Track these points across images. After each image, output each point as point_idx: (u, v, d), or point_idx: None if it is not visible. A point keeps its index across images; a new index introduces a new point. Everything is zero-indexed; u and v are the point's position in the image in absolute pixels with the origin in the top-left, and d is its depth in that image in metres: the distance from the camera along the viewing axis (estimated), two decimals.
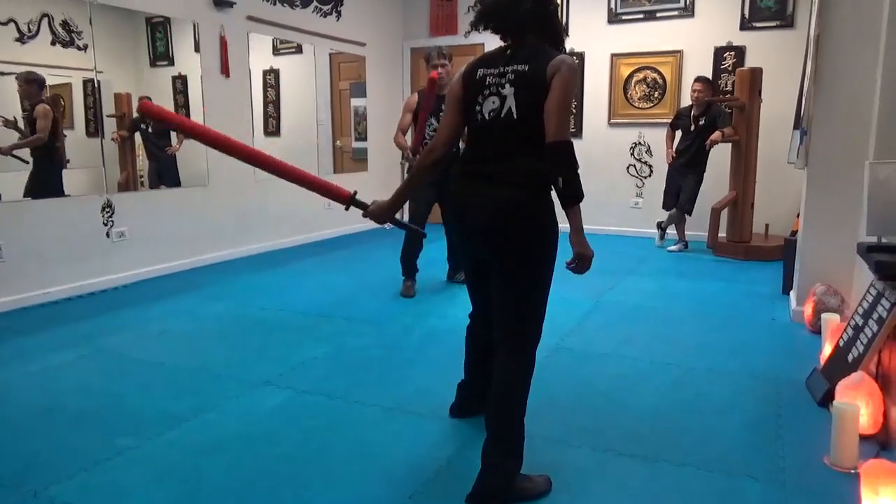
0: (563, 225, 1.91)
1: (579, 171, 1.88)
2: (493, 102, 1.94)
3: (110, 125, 4.63)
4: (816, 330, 3.44)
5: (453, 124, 2.08)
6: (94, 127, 4.52)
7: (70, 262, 4.29)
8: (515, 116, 1.90)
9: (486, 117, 1.95)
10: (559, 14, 1.88)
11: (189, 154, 5.28)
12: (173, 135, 5.24)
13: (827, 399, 2.56)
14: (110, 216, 4.53)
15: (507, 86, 1.91)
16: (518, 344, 2.01)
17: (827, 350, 2.98)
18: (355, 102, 7.08)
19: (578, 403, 2.67)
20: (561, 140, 1.84)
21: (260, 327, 3.70)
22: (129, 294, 4.41)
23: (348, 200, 2.31)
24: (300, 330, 3.65)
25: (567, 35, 6.62)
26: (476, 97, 1.98)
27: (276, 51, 6.10)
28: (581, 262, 1.95)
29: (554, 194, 1.93)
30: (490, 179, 1.94)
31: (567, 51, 2.05)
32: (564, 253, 1.99)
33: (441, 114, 3.78)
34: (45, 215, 4.16)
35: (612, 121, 6.73)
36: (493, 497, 1.91)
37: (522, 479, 1.97)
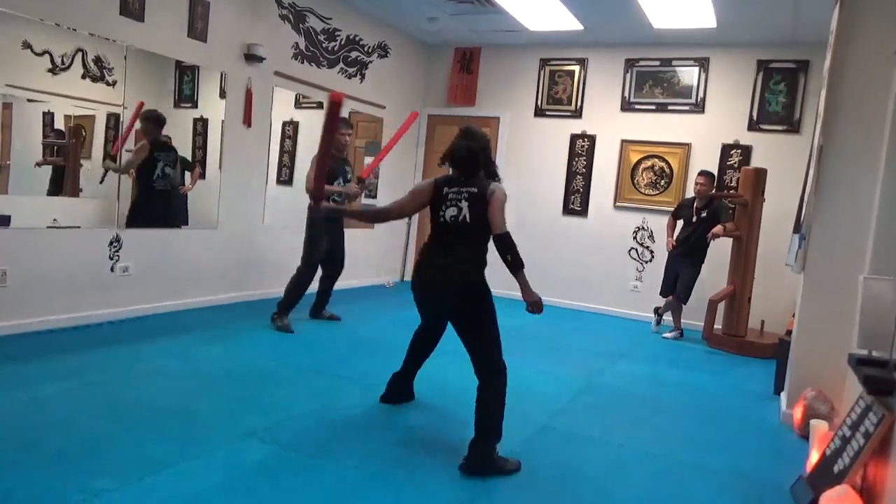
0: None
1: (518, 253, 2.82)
2: (453, 211, 2.90)
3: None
4: (805, 435, 3.44)
5: (408, 207, 3.14)
6: (113, 159, 4.63)
7: (71, 292, 4.32)
8: (469, 220, 2.87)
9: (448, 220, 2.91)
10: (491, 152, 3.11)
11: (201, 195, 5.39)
12: (187, 175, 5.35)
13: None
14: (117, 251, 4.59)
15: (464, 201, 2.88)
16: (490, 370, 2.86)
17: (814, 458, 2.97)
18: (368, 161, 7.23)
19: (561, 488, 2.66)
20: (503, 232, 2.81)
21: (251, 376, 3.70)
22: (127, 330, 4.42)
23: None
24: (291, 383, 3.65)
25: (580, 117, 6.95)
26: (441, 206, 2.93)
27: (297, 104, 6.29)
28: (534, 307, 2.90)
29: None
30: (452, 259, 2.89)
31: (499, 179, 3.03)
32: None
33: (345, 174, 5.02)
34: (54, 244, 4.22)
35: (617, 203, 6.87)
36: (478, 469, 2.68)
37: (501, 460, 2.76)
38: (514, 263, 2.79)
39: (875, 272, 3.05)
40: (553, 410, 3.59)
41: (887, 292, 2.61)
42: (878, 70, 3.47)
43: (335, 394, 3.53)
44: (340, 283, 5.34)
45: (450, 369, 4.21)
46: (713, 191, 5.91)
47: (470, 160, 2.93)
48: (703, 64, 6.49)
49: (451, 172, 2.99)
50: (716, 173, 6.22)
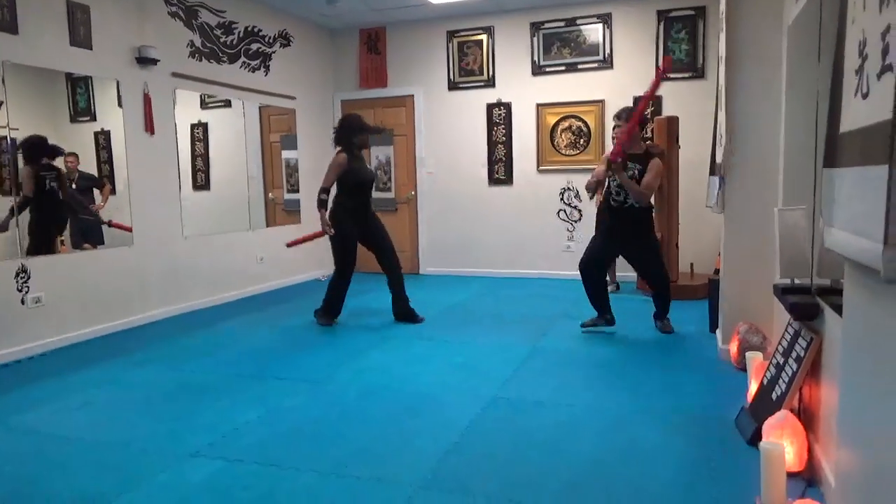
0: None
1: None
2: None
3: None
4: (742, 367, 3.57)
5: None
6: (9, 186, 4.32)
7: None
8: None
9: None
10: (362, 128, 4.79)
11: (113, 212, 5.11)
12: (97, 192, 5.06)
13: (755, 438, 2.63)
14: (25, 281, 4.30)
15: None
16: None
17: (752, 388, 3.08)
18: (286, 154, 7.04)
19: (517, 456, 2.66)
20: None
21: (189, 392, 3.55)
22: (48, 364, 4.17)
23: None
24: (231, 393, 3.52)
25: (493, 86, 6.94)
26: None
27: (204, 105, 6.03)
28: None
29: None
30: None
31: (361, 149, 4.92)
32: None
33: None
34: None
35: (540, 167, 6.92)
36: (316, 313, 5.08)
37: (323, 317, 4.99)
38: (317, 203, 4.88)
39: (788, 204, 3.16)
40: (501, 381, 3.60)
41: (800, 221, 2.71)
42: (770, 7, 3.57)
43: (279, 396, 3.42)
44: (272, 283, 5.21)
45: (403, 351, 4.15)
46: None
47: (337, 135, 4.88)
48: (605, 20, 6.57)
49: None
50: None
